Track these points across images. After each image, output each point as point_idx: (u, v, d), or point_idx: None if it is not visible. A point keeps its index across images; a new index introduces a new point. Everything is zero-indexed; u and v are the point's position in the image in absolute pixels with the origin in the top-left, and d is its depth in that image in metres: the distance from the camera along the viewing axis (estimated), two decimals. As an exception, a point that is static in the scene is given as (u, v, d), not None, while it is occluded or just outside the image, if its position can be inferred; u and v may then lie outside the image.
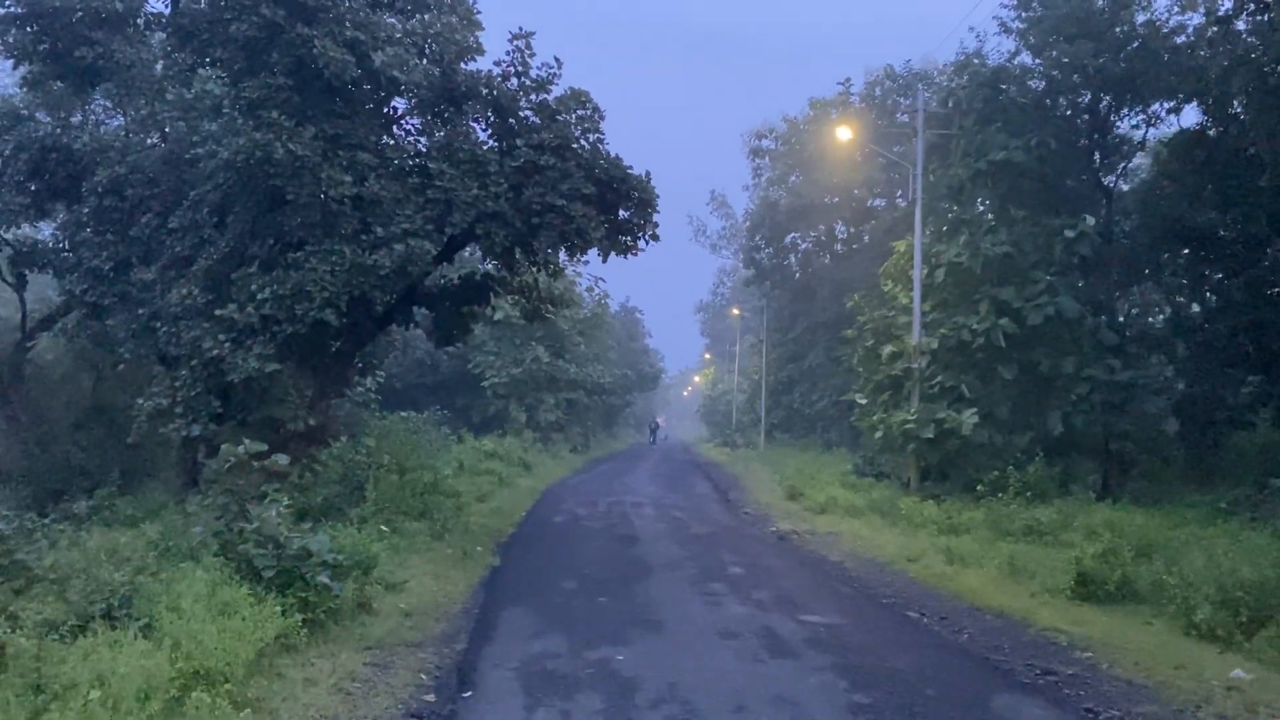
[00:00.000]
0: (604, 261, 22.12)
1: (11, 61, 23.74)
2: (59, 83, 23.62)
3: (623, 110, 24.30)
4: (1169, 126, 27.22)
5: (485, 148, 20.54)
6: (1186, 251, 26.99)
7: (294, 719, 8.43)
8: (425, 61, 20.54)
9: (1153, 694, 9.64)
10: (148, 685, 7.49)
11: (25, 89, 24.87)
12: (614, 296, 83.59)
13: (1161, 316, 29.32)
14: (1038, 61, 27.16)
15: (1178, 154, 25.59)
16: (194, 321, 19.03)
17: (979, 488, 23.05)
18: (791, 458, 41.74)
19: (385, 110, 21.49)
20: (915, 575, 16.96)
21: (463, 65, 20.82)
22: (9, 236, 26.32)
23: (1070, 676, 10.24)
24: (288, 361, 18.97)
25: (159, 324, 20.81)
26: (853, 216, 50.85)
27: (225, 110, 21.10)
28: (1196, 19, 24.85)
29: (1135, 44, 25.35)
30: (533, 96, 20.84)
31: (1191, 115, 26.36)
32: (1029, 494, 21.52)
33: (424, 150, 21.31)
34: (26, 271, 27.01)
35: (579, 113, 20.67)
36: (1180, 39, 25.17)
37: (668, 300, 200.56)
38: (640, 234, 21.57)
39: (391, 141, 21.47)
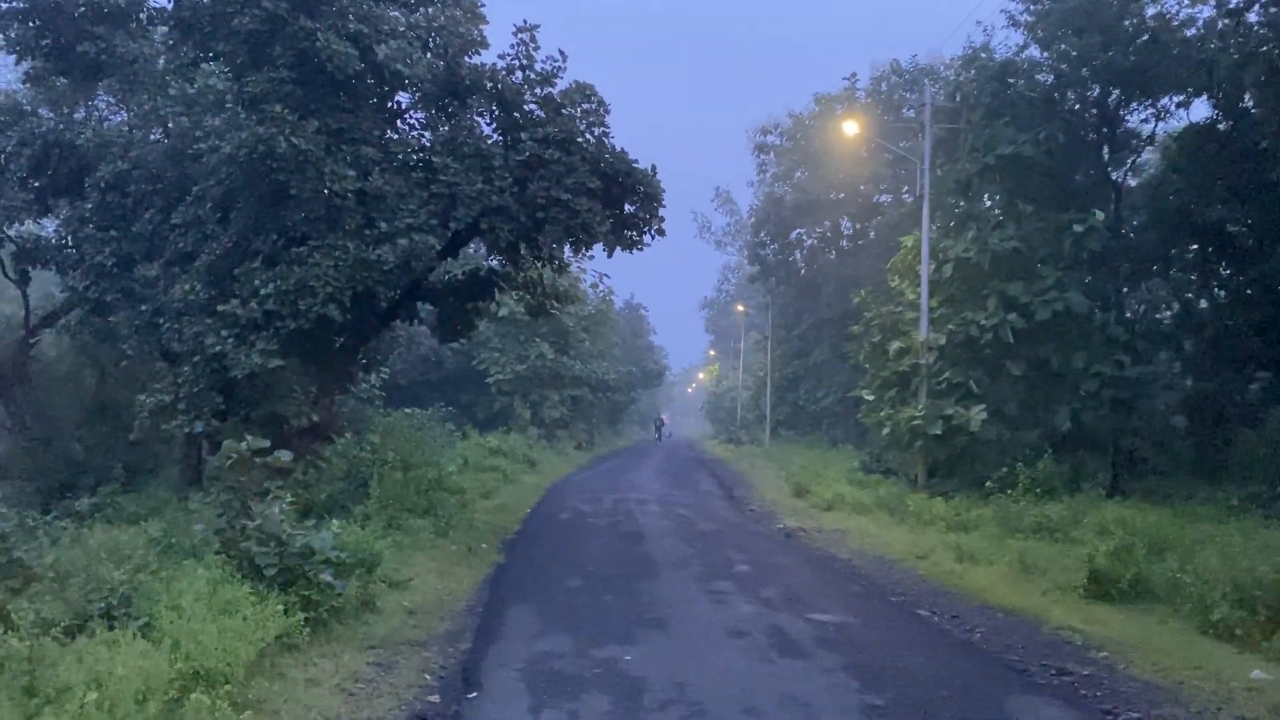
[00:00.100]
0: (609, 256, 21.99)
1: (14, 57, 23.61)
2: (62, 79, 23.49)
3: (626, 105, 24.12)
4: (1178, 121, 27.02)
5: (490, 142, 20.38)
6: (1195, 247, 26.76)
7: (296, 720, 8.28)
8: (429, 55, 20.39)
9: (1172, 695, 9.45)
10: (146, 687, 7.32)
11: (28, 85, 24.75)
12: (618, 293, 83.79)
13: (1169, 313, 29.09)
14: (1046, 55, 26.90)
15: (1187, 148, 25.35)
16: (196, 317, 18.89)
17: (988, 484, 22.88)
18: (797, 454, 41.57)
19: (389, 104, 21.33)
20: (924, 573, 16.77)
21: (467, 59, 20.66)
22: (12, 233, 26.21)
23: (1086, 677, 10.06)
24: (291, 357, 18.82)
25: (162, 320, 20.67)
26: (858, 212, 50.65)
27: (228, 105, 20.96)
28: (1207, 11, 24.59)
29: (1144, 37, 25.06)
30: (537, 90, 20.69)
31: (1201, 109, 26.17)
32: (1038, 491, 21.36)
33: (428, 144, 21.15)
34: (29, 268, 26.89)
35: (584, 106, 20.52)
36: (1190, 32, 24.88)
37: (672, 297, 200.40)
38: (646, 229, 21.41)
39: (395, 136, 21.32)
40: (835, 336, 46.37)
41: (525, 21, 20.71)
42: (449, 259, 24.04)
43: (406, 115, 21.98)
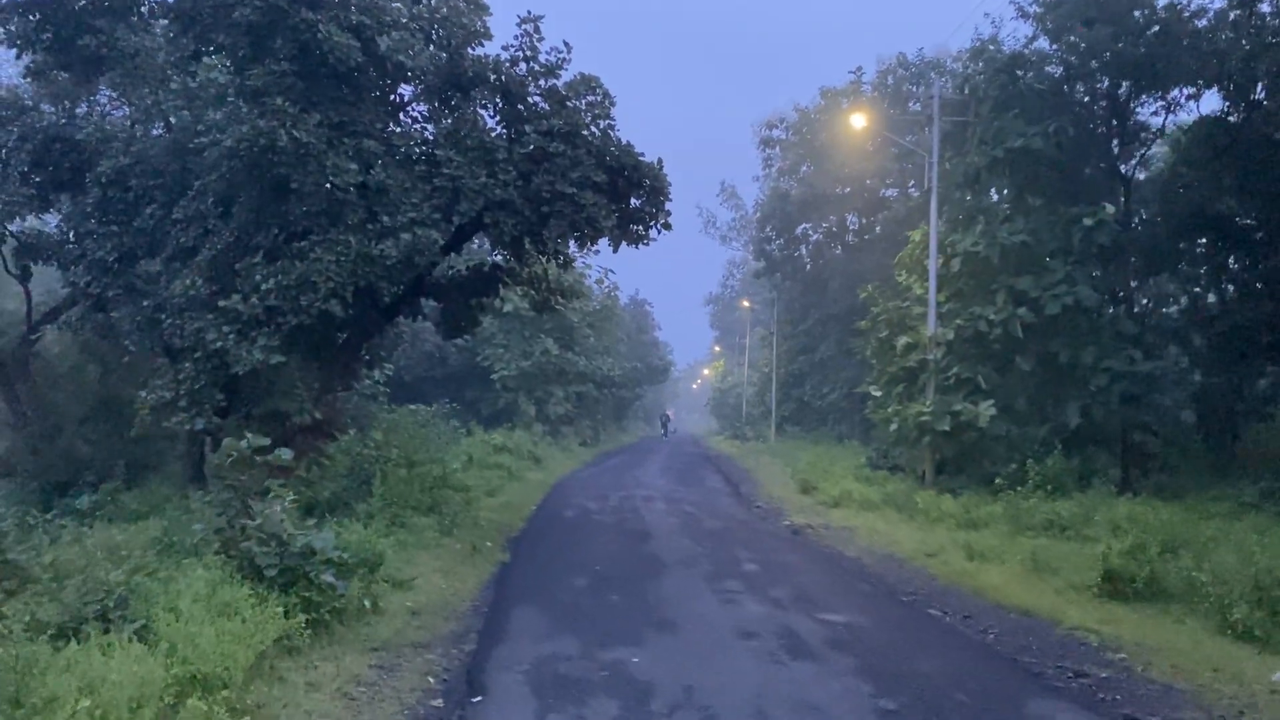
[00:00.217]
0: (615, 251, 21.75)
1: (15, 51, 23.42)
2: (63, 73, 23.30)
3: (630, 101, 23.86)
4: (1189, 113, 26.76)
5: (493, 134, 20.13)
6: (1205, 241, 26.52)
7: (295, 726, 8.08)
8: (432, 47, 20.16)
9: (1193, 698, 9.23)
10: (140, 694, 7.10)
11: (29, 79, 24.55)
12: (623, 289, 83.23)
13: (1176, 307, 28.83)
14: (1055, 47, 26.60)
15: (1198, 141, 25.09)
16: (197, 313, 18.67)
17: (997, 481, 22.66)
18: (803, 450, 41.34)
19: (391, 97, 21.09)
20: (935, 571, 16.54)
21: (470, 50, 20.39)
22: (13, 228, 26.01)
23: (1104, 680, 9.84)
24: (293, 354, 18.61)
25: (164, 316, 20.46)
26: (865, 207, 50.39)
27: (230, 99, 20.74)
28: (1219, 2, 24.28)
29: (1155, 28, 24.78)
30: (542, 82, 20.42)
31: (1211, 102, 25.89)
32: (1048, 488, 21.14)
33: (431, 137, 20.89)
34: (31, 264, 26.71)
35: (589, 98, 20.25)
36: (1201, 23, 24.59)
37: (677, 293, 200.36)
38: (652, 223, 21.15)
39: (398, 129, 21.06)
40: (841, 332, 46.16)
41: (529, 12, 20.45)
42: (452, 254, 23.81)
43: (409, 108, 21.71)
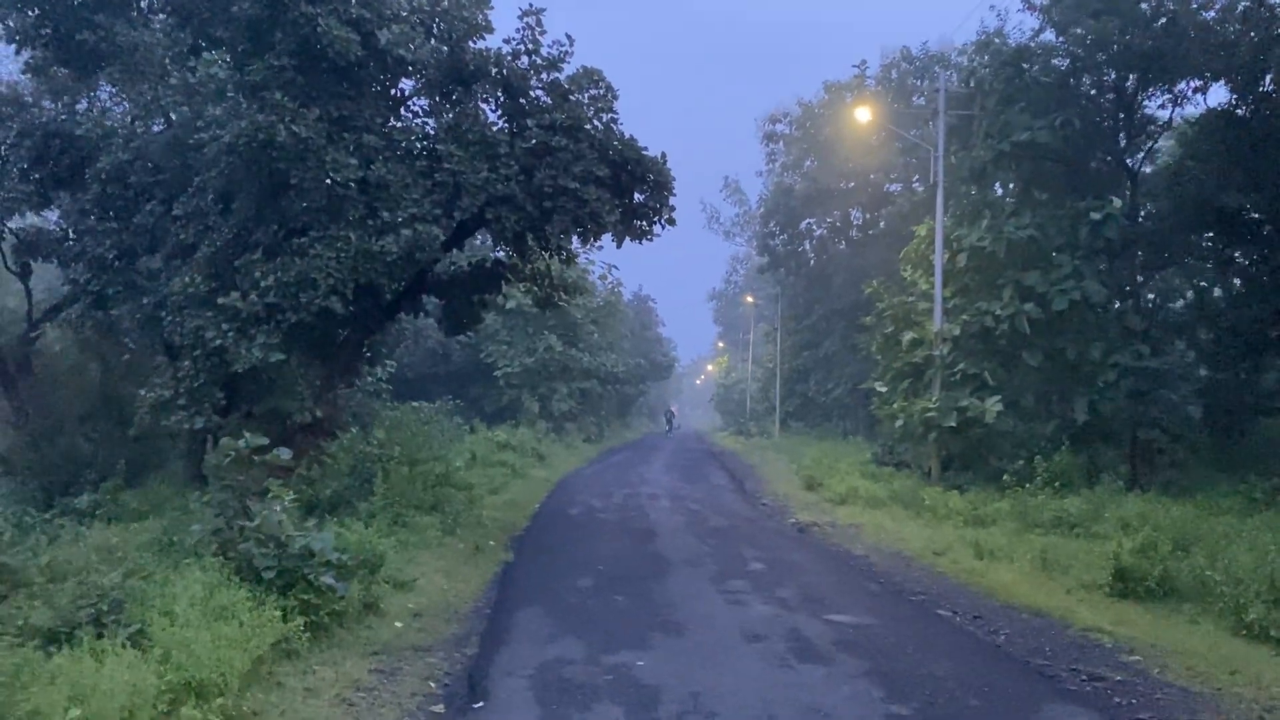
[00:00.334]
0: (618, 247, 21.56)
1: (14, 47, 23.25)
2: (62, 69, 23.12)
3: (632, 95, 23.66)
4: (1196, 106, 26.51)
5: (495, 129, 19.94)
6: (1212, 235, 26.30)
7: (293, 734, 7.89)
8: (433, 40, 19.96)
9: (1210, 702, 9.01)
10: (132, 702, 6.91)
11: (28, 75, 24.38)
12: (626, 285, 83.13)
13: (1182, 302, 28.60)
14: (1061, 39, 26.36)
15: (1206, 134, 24.85)
16: (197, 310, 18.48)
17: (1005, 477, 22.46)
18: (808, 447, 41.15)
19: (392, 92, 20.90)
20: (943, 570, 16.33)
21: (471, 44, 20.20)
22: (12, 225, 25.86)
23: (1119, 683, 9.61)
24: (293, 351, 18.44)
25: (164, 313, 20.30)
26: (869, 202, 50.17)
27: (229, 94, 20.56)
28: (1227, -7, 24.06)
29: (1163, 20, 24.56)
30: (544, 75, 20.24)
31: (1218, 95, 25.67)
32: (1056, 484, 20.95)
33: (432, 132, 20.71)
34: (31, 261, 26.56)
35: (591, 92, 20.06)
36: (1209, 14, 24.35)
37: (680, 288, 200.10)
38: (656, 218, 20.95)
39: (398, 124, 20.86)
40: (846, 327, 46.02)
41: (531, 4, 20.24)
42: (454, 250, 23.64)
43: (410, 102, 21.55)
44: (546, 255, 23.18)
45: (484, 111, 20.50)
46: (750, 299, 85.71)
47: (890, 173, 48.53)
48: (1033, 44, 26.66)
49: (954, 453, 26.11)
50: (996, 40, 27.57)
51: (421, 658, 10.31)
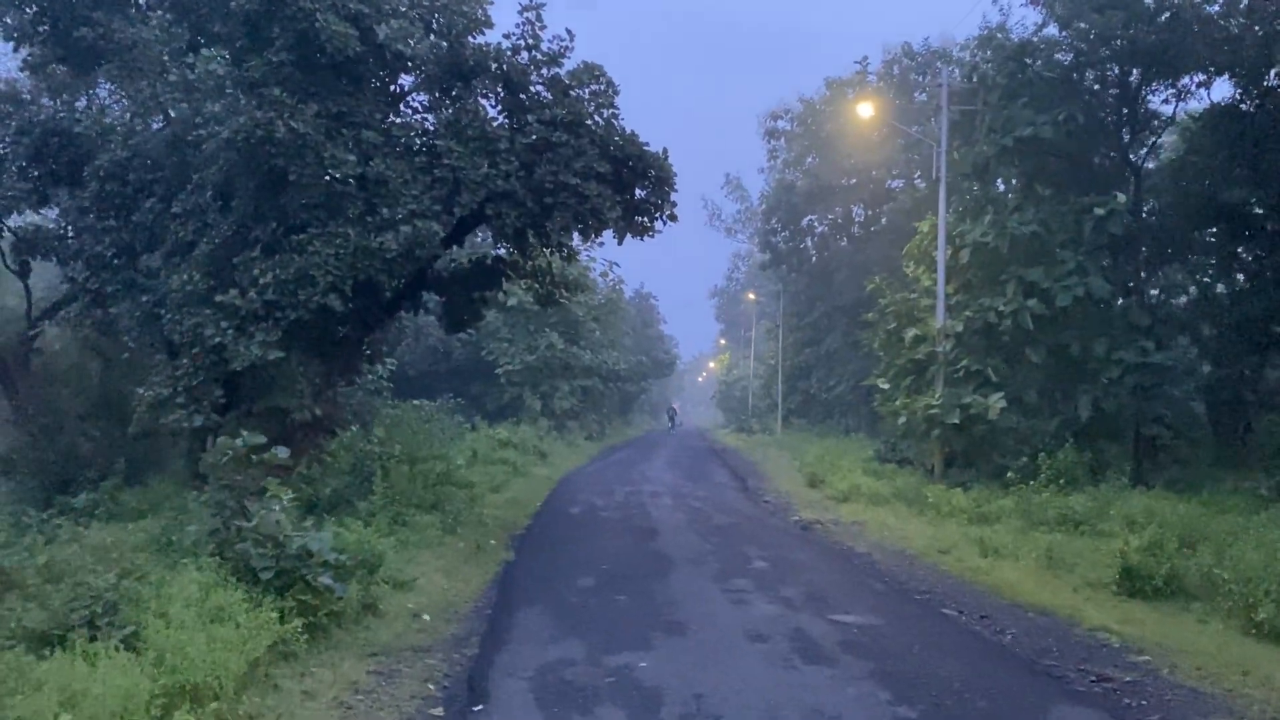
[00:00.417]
0: (619, 243, 21.43)
1: (12, 45, 23.12)
2: (61, 66, 23.00)
3: (633, 92, 23.49)
4: (1200, 101, 26.38)
5: (495, 124, 19.75)
6: (1215, 230, 26.17)
7: (289, 738, 7.76)
8: (432, 36, 19.79)
9: (1222, 704, 8.87)
10: (124, 707, 6.78)
11: (26, 73, 24.26)
12: (628, 282, 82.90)
13: (1184, 298, 28.47)
14: (1065, 34, 26.18)
15: (1209, 129, 24.73)
16: (195, 308, 18.33)
17: (1008, 475, 22.33)
18: (810, 444, 41.06)
19: (391, 87, 20.73)
20: (948, 568, 16.19)
21: (471, 39, 19.99)
22: (11, 223, 25.73)
23: (1129, 684, 9.47)
24: (292, 349, 18.27)
25: (163, 311, 20.16)
26: (870, 198, 50.13)
27: (229, 90, 20.42)
28: (1232, -13, 23.90)
29: (1167, 14, 24.40)
30: (544, 71, 20.05)
31: (1222, 89, 25.51)
32: (1060, 481, 20.80)
33: (431, 128, 20.52)
34: (29, 259, 26.42)
35: (592, 87, 19.88)
36: (1214, 8, 24.18)
37: (682, 286, 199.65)
38: (657, 214, 20.78)
39: (397, 119, 20.69)
40: (848, 324, 45.92)
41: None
42: (454, 247, 23.48)
43: (409, 98, 21.35)
44: (547, 252, 23.03)
45: (484, 107, 20.31)
46: (752, 296, 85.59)
47: (892, 169, 48.50)
48: (1036, 39, 26.52)
49: (957, 450, 25.98)
50: (999, 35, 27.44)
51: (421, 659, 10.19)
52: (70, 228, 23.42)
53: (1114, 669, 10.01)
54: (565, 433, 50.27)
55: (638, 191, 20.48)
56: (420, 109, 21.51)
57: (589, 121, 19.54)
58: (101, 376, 28.31)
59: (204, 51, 20.08)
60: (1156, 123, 27.20)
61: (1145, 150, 27.66)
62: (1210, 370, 26.37)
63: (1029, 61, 25.78)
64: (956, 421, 24.79)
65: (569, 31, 20.34)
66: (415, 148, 19.59)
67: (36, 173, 23.03)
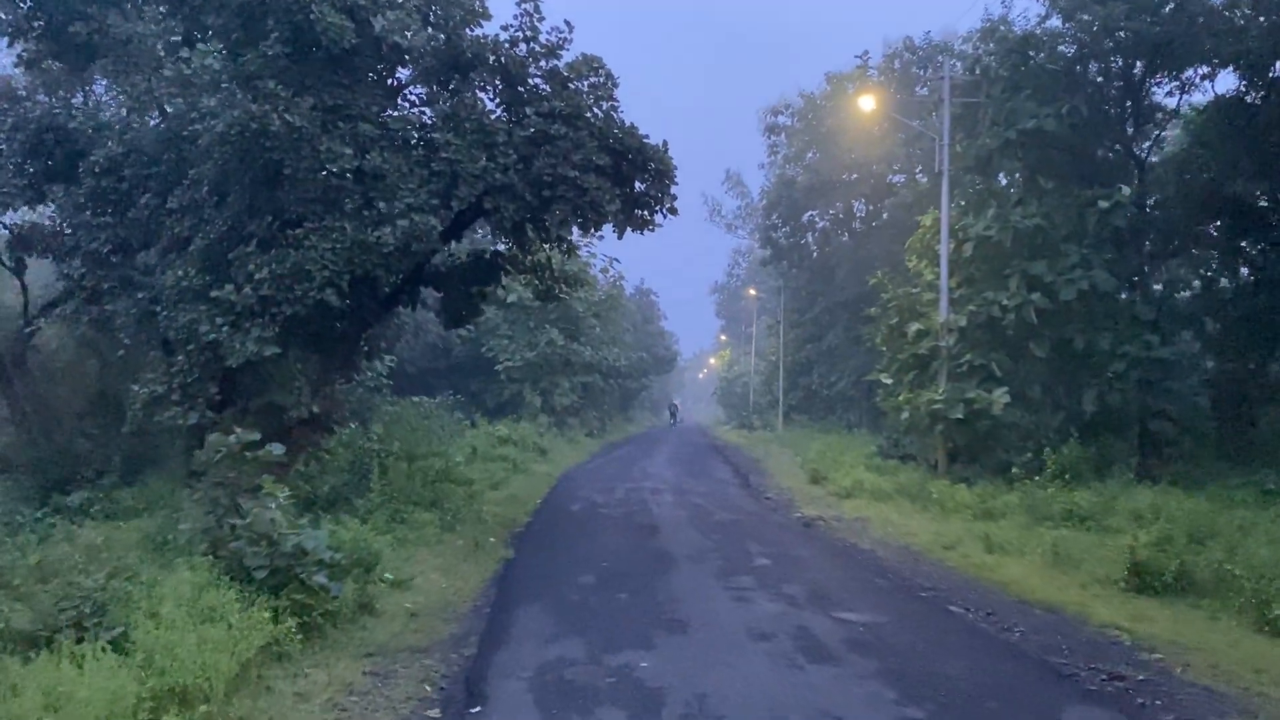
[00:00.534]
0: (619, 237, 21.22)
1: (6, 40, 22.95)
2: (56, 62, 22.82)
3: (633, 88, 23.29)
4: (1203, 93, 26.16)
5: (493, 117, 19.53)
6: (1219, 223, 25.96)
7: (281, 742, 7.56)
8: (429, 27, 19.56)
9: (1239, 704, 8.67)
10: (110, 710, 6.58)
11: (21, 69, 24.08)
12: (628, 278, 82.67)
13: (1187, 293, 28.27)
14: (1068, 25, 25.95)
15: (1214, 121, 24.51)
16: (190, 304, 18.13)
17: (1013, 470, 22.12)
18: (812, 440, 40.85)
19: (388, 80, 20.52)
20: (953, 565, 16.00)
21: (468, 31, 19.78)
22: (6, 220, 25.57)
23: (1142, 683, 9.27)
24: (289, 345, 18.08)
25: (159, 308, 19.97)
26: (871, 193, 49.92)
27: (224, 85, 20.22)
28: (1237, -22, 23.65)
29: (1170, 6, 24.19)
30: (542, 63, 19.85)
31: (1226, 82, 25.31)
32: (1065, 476, 20.60)
33: (428, 121, 20.30)
34: (25, 256, 26.24)
35: (591, 80, 19.67)
36: (1218, 0, 23.98)
37: (682, 282, 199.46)
38: (658, 207, 20.56)
39: (394, 112, 20.45)
40: (849, 319, 45.72)
41: (529, -10, 19.88)
42: (453, 241, 23.28)
43: (406, 91, 21.15)
44: (546, 246, 22.84)
45: (482, 100, 20.10)
46: (753, 292, 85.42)
47: (893, 164, 48.28)
48: (1039, 30, 26.28)
49: (960, 445, 25.75)
50: (1002, 27, 27.17)
51: (418, 659, 9.99)
52: (66, 224, 23.23)
53: (1126, 667, 9.81)
54: (565, 429, 50.08)
55: (637, 184, 20.26)
56: (417, 102, 21.31)
57: (588, 114, 19.32)
58: (99, 374, 28.16)
59: (199, 46, 19.90)
60: (1160, 115, 27.00)
61: (1149, 143, 27.47)
62: (1214, 365, 26.16)
63: (1032, 54, 25.58)
64: (960, 416, 24.57)
65: (567, 23, 20.19)
66: (412, 141, 19.37)
67: (32, 169, 22.84)
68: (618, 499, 25.89)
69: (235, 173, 18.32)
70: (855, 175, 49.53)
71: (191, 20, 18.81)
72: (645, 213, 20.60)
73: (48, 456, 24.85)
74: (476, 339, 46.10)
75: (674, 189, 20.50)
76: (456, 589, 13.66)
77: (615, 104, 19.87)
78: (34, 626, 8.10)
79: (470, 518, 19.40)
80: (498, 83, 19.94)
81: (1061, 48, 26.03)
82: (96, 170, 20.88)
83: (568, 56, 20.02)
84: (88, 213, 21.55)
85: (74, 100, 24.87)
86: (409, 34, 18.32)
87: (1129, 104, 26.37)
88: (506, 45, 19.72)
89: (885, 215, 47.67)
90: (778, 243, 56.26)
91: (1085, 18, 24.90)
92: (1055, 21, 26.21)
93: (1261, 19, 22.41)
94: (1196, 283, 27.85)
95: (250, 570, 10.12)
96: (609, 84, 19.84)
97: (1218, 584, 12.59)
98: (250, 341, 17.08)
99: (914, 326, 27.77)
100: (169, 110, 22.20)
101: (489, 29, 20.22)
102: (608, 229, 20.73)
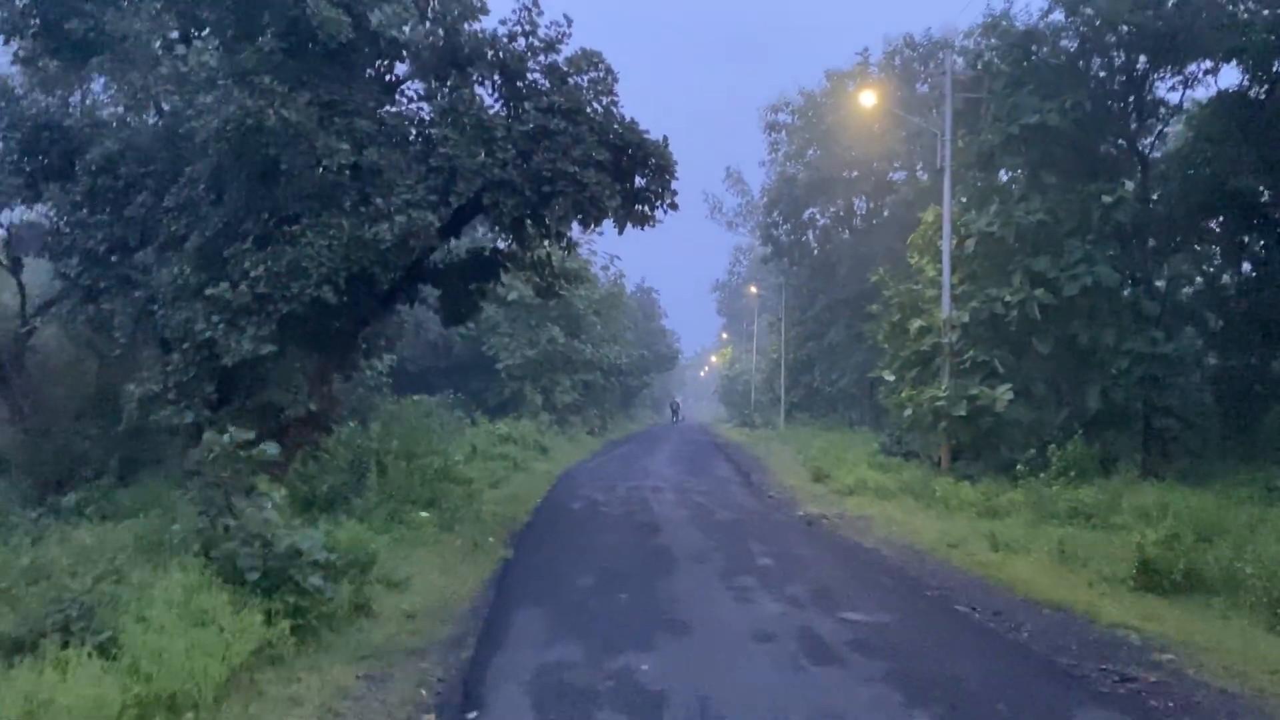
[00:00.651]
0: (620, 233, 21.03)
1: (2, 38, 22.78)
2: (52, 59, 22.66)
3: (633, 85, 23.12)
4: (1207, 88, 25.96)
5: (492, 112, 19.38)
6: (1223, 219, 25.78)
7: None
8: (427, 22, 19.39)
9: (1254, 705, 8.47)
10: (93, 717, 6.39)
11: (18, 66, 23.92)
12: (629, 276, 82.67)
13: (1191, 289, 28.08)
14: (1071, 20, 25.75)
15: (1217, 116, 24.31)
16: (186, 303, 17.94)
17: (1017, 467, 21.93)
18: (814, 437, 40.69)
19: (386, 76, 20.35)
20: (958, 563, 15.80)
21: (467, 25, 19.63)
22: (4, 219, 25.43)
23: (1154, 684, 9.06)
24: (286, 343, 17.89)
25: (155, 307, 19.80)
26: (872, 190, 49.81)
27: (220, 81, 20.04)
28: (1240, -29, 23.44)
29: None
30: (541, 58, 19.72)
31: (1229, 76, 25.12)
32: (1070, 474, 20.41)
33: (426, 116, 20.14)
34: (22, 255, 26.09)
35: (591, 75, 19.53)
36: (1222, -7, 23.78)
37: (683, 279, 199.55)
38: (658, 203, 20.40)
39: (392, 108, 20.30)
40: (850, 317, 45.58)
41: (527, -16, 19.70)
42: (451, 238, 23.10)
43: (403, 86, 20.98)
44: (546, 243, 22.67)
45: (480, 95, 19.95)
46: (754, 289, 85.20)
47: (894, 160, 48.15)
48: (1041, 25, 26.09)
49: (964, 442, 25.58)
50: (1004, 22, 26.99)
51: (414, 662, 9.78)
52: (62, 223, 23.08)
53: (1137, 668, 9.60)
54: (566, 427, 49.94)
55: (638, 180, 20.11)
56: (415, 97, 21.16)
57: (588, 109, 19.18)
58: (96, 374, 27.99)
59: (195, 43, 19.73)
60: (1164, 110, 26.79)
61: (1152, 138, 27.27)
62: (1218, 360, 25.98)
63: (1034, 48, 25.46)
64: (963, 413, 24.40)
65: (566, 18, 20.05)
66: (410, 137, 19.25)
67: (28, 167, 22.72)
68: (619, 497, 25.69)
69: (231, 169, 18.15)
70: (856, 172, 49.42)
71: (187, 16, 18.62)
72: (646, 208, 20.45)
73: (45, 456, 24.69)
74: (477, 337, 45.94)
75: (674, 184, 20.36)
76: (454, 589, 13.45)
77: (615, 99, 19.77)
78: (19, 631, 7.92)
79: (469, 517, 19.20)
80: (496, 78, 19.80)
81: (1064, 42, 25.89)
82: (93, 168, 20.73)
83: (567, 51, 19.94)
84: (84, 211, 21.40)
85: (70, 98, 24.74)
86: (406, 28, 18.16)
87: (1132, 99, 26.17)
88: (505, 40, 19.58)
89: (886, 212, 47.53)
90: (779, 240, 56.14)
91: (1088, 12, 24.73)
92: (1058, 16, 26.02)
93: (1265, 13, 22.20)
94: (1200, 278, 27.69)
95: (243, 572, 9.91)
96: (609, 79, 19.70)
97: (1227, 582, 12.40)
98: (246, 340, 16.91)
99: (916, 323, 27.60)
100: (165, 108, 22.04)
101: (487, 23, 20.14)
102: (608, 225, 20.58)
